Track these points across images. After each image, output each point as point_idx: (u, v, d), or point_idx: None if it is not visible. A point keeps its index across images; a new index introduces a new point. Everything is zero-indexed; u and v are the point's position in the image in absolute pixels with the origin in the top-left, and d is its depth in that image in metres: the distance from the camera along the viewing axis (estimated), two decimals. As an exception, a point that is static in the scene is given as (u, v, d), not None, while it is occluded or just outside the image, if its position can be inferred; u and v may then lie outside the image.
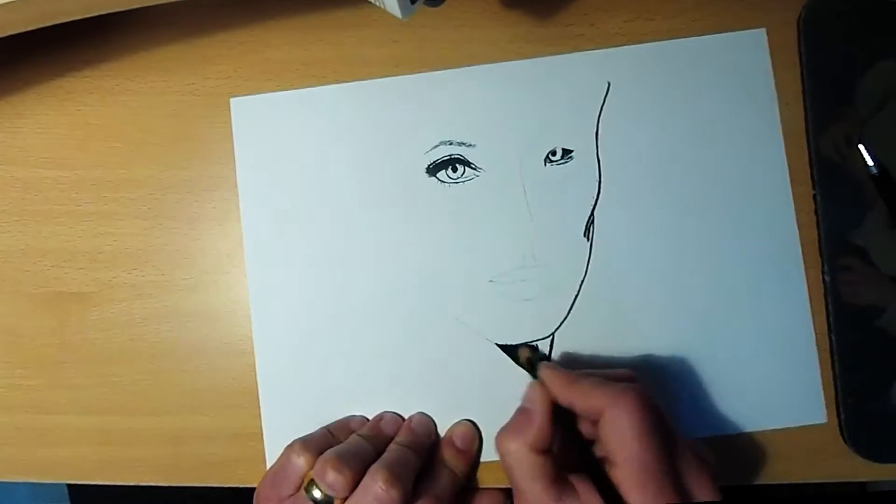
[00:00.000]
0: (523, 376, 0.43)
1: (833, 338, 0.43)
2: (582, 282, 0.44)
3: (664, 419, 0.36)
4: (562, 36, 0.45)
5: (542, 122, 0.45)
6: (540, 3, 0.45)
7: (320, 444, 0.41)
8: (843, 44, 0.44)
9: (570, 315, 0.44)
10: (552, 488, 0.36)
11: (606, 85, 0.45)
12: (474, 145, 0.45)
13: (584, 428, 0.39)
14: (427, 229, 0.45)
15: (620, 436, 0.35)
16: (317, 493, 0.38)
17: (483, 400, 0.44)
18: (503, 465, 0.38)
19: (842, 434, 0.43)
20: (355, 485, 0.38)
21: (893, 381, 0.43)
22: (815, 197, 0.44)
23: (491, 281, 0.44)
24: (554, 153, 0.44)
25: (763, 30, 0.45)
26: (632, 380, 0.39)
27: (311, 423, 0.43)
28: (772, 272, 0.44)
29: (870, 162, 0.43)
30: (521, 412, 0.39)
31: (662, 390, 0.43)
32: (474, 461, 0.43)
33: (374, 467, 0.38)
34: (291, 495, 0.39)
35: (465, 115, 0.45)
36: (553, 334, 0.44)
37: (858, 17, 0.44)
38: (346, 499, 0.38)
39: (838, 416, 0.43)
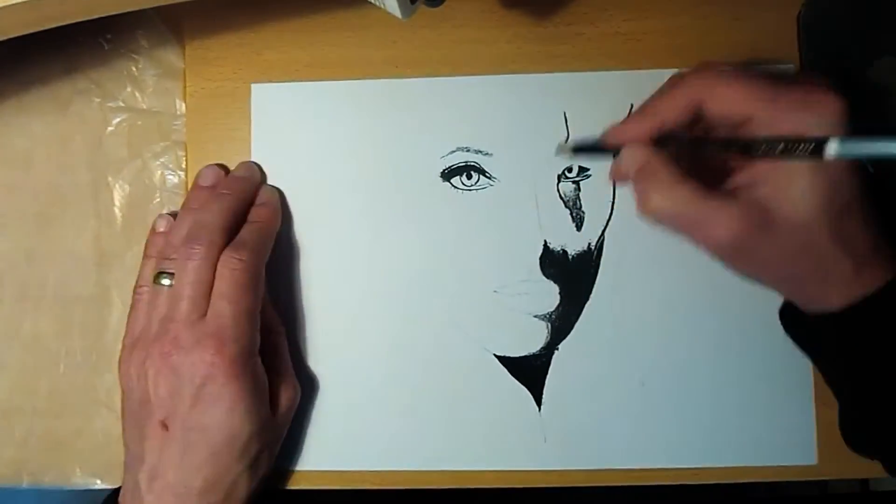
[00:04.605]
0: (519, 389, 0.44)
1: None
2: (586, 301, 0.44)
3: None
4: (561, 35, 0.45)
5: (563, 138, 0.44)
6: (539, 3, 0.45)
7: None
8: (842, 40, 0.43)
9: (571, 333, 0.44)
10: (714, 194, 0.35)
11: (630, 107, 0.44)
12: (491, 154, 0.44)
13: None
14: (435, 234, 0.44)
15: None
16: (164, 280, 0.40)
17: (475, 409, 0.44)
18: (673, 224, 0.36)
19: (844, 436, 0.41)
20: None
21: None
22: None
23: (495, 291, 0.44)
24: (570, 170, 0.44)
25: (792, 65, 0.44)
26: None
27: (308, 420, 0.44)
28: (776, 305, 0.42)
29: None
30: (635, 182, 0.37)
31: (657, 414, 0.43)
32: (277, 214, 0.44)
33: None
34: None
35: (485, 124, 0.44)
36: (553, 351, 0.44)
37: (858, 13, 0.43)
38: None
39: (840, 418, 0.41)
